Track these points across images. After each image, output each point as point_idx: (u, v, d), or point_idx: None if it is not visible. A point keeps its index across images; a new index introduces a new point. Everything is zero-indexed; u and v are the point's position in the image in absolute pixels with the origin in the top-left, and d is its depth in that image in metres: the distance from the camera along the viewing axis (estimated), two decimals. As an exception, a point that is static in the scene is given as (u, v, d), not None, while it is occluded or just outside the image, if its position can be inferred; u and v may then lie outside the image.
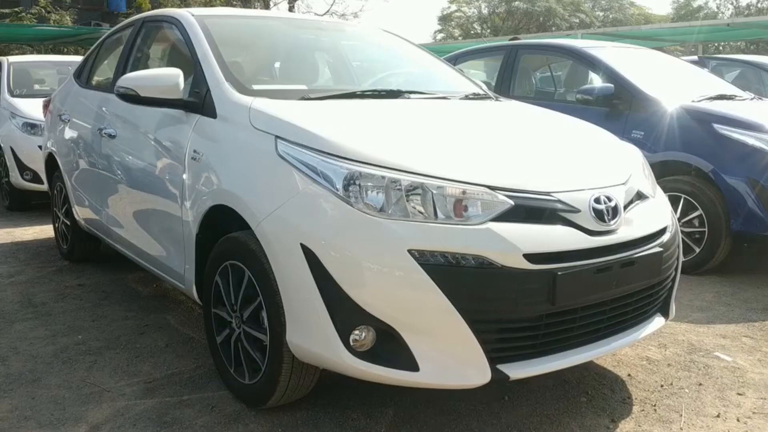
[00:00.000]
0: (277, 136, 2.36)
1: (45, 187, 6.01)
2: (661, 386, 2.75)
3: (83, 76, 4.51)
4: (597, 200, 2.26)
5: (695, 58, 8.85)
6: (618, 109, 4.80)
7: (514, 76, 5.74)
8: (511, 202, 2.12)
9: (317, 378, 2.43)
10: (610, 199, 2.30)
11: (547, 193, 2.20)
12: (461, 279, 2.03)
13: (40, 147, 6.16)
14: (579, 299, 2.19)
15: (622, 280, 2.29)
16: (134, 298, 3.91)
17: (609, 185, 2.36)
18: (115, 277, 4.31)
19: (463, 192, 2.12)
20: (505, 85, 5.70)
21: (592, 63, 5.20)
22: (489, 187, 2.13)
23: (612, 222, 2.27)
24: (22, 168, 6.46)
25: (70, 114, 4.31)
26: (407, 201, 2.09)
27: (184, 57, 3.17)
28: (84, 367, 2.92)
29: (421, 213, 2.08)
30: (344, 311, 2.08)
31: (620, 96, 4.79)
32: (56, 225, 4.84)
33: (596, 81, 5.30)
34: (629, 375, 2.84)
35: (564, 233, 2.16)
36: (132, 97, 2.82)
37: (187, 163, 2.74)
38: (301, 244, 2.13)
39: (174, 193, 2.83)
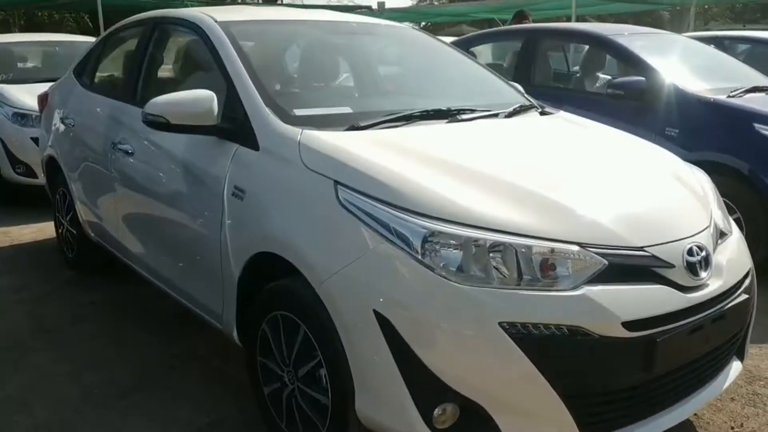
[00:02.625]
0: (336, 182, 2.13)
1: (39, 181, 5.72)
2: (732, 428, 2.62)
3: (86, 75, 4.20)
4: (690, 252, 2.08)
5: (702, 34, 8.62)
6: (650, 103, 4.59)
7: (534, 64, 5.49)
8: (605, 261, 1.93)
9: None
10: (701, 249, 2.12)
11: (641, 248, 2.01)
12: (555, 352, 1.85)
13: (33, 139, 5.85)
14: (674, 363, 2.03)
15: (712, 337, 2.14)
16: (154, 318, 3.69)
17: (697, 231, 2.18)
18: (127, 292, 4.07)
19: (552, 251, 1.92)
20: (524, 74, 5.44)
21: (620, 52, 4.98)
22: (580, 244, 1.94)
23: (704, 275, 2.10)
24: (14, 161, 6.12)
25: (74, 118, 4.01)
26: (490, 261, 1.90)
27: (210, 70, 2.91)
28: (117, 415, 2.72)
29: (505, 275, 1.89)
30: (425, 386, 1.89)
31: (652, 90, 4.58)
32: (60, 231, 4.57)
33: (623, 71, 5.08)
34: (695, 414, 2.71)
35: (660, 294, 1.99)
36: (162, 125, 2.56)
37: (226, 199, 2.50)
38: (375, 311, 1.93)
39: (211, 230, 2.60)
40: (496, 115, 2.90)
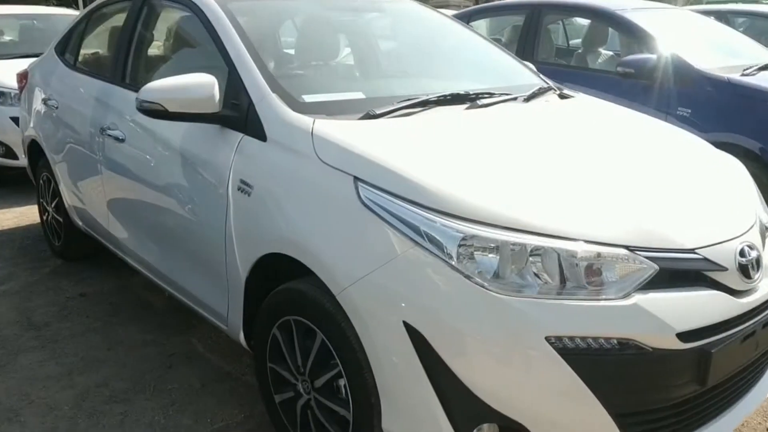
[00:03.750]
0: (356, 178, 1.94)
1: (20, 163, 5.46)
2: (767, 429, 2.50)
3: (69, 53, 3.94)
4: (742, 253, 1.92)
5: (702, 7, 8.44)
6: (660, 82, 4.42)
7: (537, 40, 5.28)
8: (656, 266, 1.77)
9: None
10: (752, 249, 1.96)
11: (692, 251, 1.85)
12: (606, 367, 1.69)
13: (13, 119, 5.57)
14: (726, 373, 1.89)
15: (762, 342, 1.99)
16: (148, 312, 3.50)
17: (746, 229, 2.02)
18: (119, 282, 3.87)
19: (598, 255, 1.75)
20: (527, 50, 5.25)
21: (629, 28, 4.78)
22: (628, 247, 1.77)
23: (756, 277, 1.95)
24: (-8, 142, 5.85)
25: (58, 99, 3.76)
26: (530, 267, 1.72)
27: (206, 51, 2.68)
28: (115, 423, 2.54)
29: (546, 282, 1.72)
30: (461, 404, 1.73)
31: (663, 68, 4.41)
32: (45, 218, 4.34)
33: (628, 48, 4.90)
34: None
35: (713, 300, 1.83)
36: (159, 113, 2.35)
37: (231, 194, 2.30)
38: (404, 323, 1.76)
39: (213, 226, 2.40)
40: (515, 99, 2.71)
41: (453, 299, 1.72)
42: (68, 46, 3.98)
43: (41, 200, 4.35)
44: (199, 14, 2.73)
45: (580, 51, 5.77)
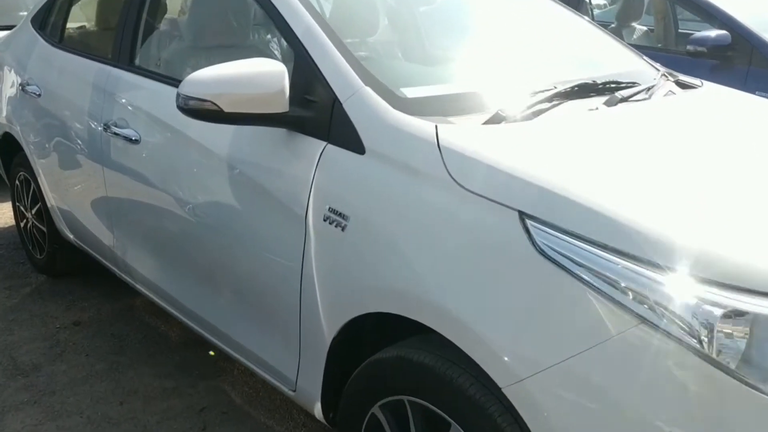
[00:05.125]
0: (523, 214, 1.35)
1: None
2: None
3: (51, 27, 3.22)
4: None
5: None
6: (733, 62, 3.90)
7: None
8: None
9: None
10: None
11: None
12: None
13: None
14: None
15: None
16: (160, 346, 2.86)
17: None
18: (118, 305, 3.21)
19: None
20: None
21: (696, 4, 4.24)
22: None
23: None
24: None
25: (40, 85, 3.05)
26: None
27: (250, 24, 2.05)
28: None
29: None
30: None
31: (737, 47, 3.89)
32: (23, 225, 3.63)
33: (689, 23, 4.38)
34: None
35: None
36: (210, 114, 1.70)
37: (313, 225, 1.69)
38: (625, 438, 1.19)
39: (282, 264, 1.79)
40: (646, 90, 2.12)
41: (712, 406, 1.15)
42: (50, 17, 3.24)
43: (18, 204, 3.64)
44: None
45: (614, 25, 5.25)
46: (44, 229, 3.36)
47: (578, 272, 1.26)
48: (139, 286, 2.62)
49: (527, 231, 1.33)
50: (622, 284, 1.22)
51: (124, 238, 2.59)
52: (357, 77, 1.70)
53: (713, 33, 3.94)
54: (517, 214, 1.35)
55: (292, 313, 1.79)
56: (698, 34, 4.01)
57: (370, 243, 1.57)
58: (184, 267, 2.26)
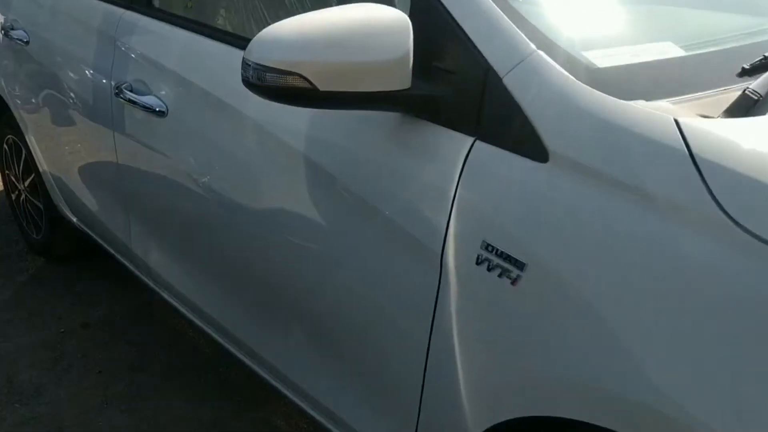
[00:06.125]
0: None
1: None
2: None
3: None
4: None
5: None
6: None
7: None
8: None
9: None
10: None
11: None
12: None
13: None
14: None
15: None
16: (190, 359, 2.33)
17: None
18: (134, 300, 2.65)
19: None
20: None
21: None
22: None
23: None
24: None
25: (28, 29, 2.41)
26: None
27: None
28: None
29: None
30: None
31: None
32: (15, 198, 3.04)
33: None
34: None
35: None
36: (296, 93, 1.09)
37: (454, 269, 1.10)
38: None
39: (394, 322, 1.22)
40: None
41: None
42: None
43: (7, 173, 3.04)
44: None
45: None
46: (40, 206, 2.77)
47: None
48: (166, 295, 2.05)
49: None
50: None
51: (147, 240, 2.01)
52: (525, 38, 1.09)
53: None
54: None
55: (410, 392, 1.23)
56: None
57: (561, 311, 0.99)
58: (239, 295, 1.68)
